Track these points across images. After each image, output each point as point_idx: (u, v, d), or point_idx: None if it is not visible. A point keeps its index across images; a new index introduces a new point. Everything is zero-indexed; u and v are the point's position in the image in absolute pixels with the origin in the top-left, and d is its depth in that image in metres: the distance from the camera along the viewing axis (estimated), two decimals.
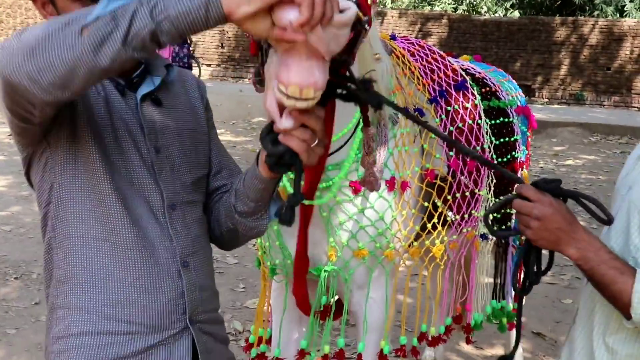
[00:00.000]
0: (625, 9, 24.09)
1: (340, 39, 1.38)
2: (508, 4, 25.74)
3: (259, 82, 1.71)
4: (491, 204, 3.30)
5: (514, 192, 1.92)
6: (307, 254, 2.56)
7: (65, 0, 1.68)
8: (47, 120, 1.63)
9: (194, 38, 23.18)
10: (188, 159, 1.92)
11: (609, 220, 1.86)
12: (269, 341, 3.00)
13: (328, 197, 2.50)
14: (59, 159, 1.73)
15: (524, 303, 4.37)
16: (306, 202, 2.38)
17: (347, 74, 1.55)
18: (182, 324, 1.85)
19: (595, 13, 24.58)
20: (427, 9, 26.80)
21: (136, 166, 1.79)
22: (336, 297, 2.85)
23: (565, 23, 22.53)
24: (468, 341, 3.50)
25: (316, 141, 1.52)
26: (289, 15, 1.26)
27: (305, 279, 2.65)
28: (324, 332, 2.81)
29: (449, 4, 26.53)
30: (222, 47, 25.76)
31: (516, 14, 25.05)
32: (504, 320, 3.75)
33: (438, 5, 26.73)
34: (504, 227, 3.52)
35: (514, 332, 4.18)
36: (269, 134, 1.53)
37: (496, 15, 24.86)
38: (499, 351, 4.93)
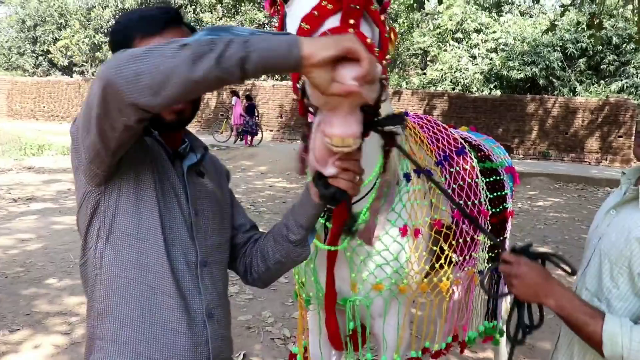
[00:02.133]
0: (576, 90, 24.36)
1: (376, 90, 1.35)
2: (492, 85, 25.72)
3: (304, 139, 1.67)
4: (487, 247, 3.05)
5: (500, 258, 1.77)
6: (335, 291, 2.30)
7: None
8: (118, 150, 1.40)
9: (260, 110, 23.37)
10: (217, 224, 1.73)
11: (572, 272, 1.68)
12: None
13: (346, 242, 2.24)
14: (112, 208, 1.50)
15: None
16: (332, 248, 2.17)
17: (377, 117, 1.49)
18: None
19: (556, 93, 24.65)
20: (432, 89, 26.74)
21: (179, 224, 1.58)
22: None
23: (534, 100, 22.55)
24: (462, 352, 3.20)
25: (357, 178, 1.47)
26: (351, 72, 1.20)
27: (335, 314, 2.38)
28: (359, 353, 2.58)
29: (448, 85, 26.52)
30: (281, 117, 25.91)
31: (498, 92, 25.00)
32: (497, 336, 3.45)
33: (440, 86, 26.71)
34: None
35: (502, 343, 3.98)
36: (320, 179, 1.47)
37: (483, 93, 24.77)
38: (489, 355, 4.65)
